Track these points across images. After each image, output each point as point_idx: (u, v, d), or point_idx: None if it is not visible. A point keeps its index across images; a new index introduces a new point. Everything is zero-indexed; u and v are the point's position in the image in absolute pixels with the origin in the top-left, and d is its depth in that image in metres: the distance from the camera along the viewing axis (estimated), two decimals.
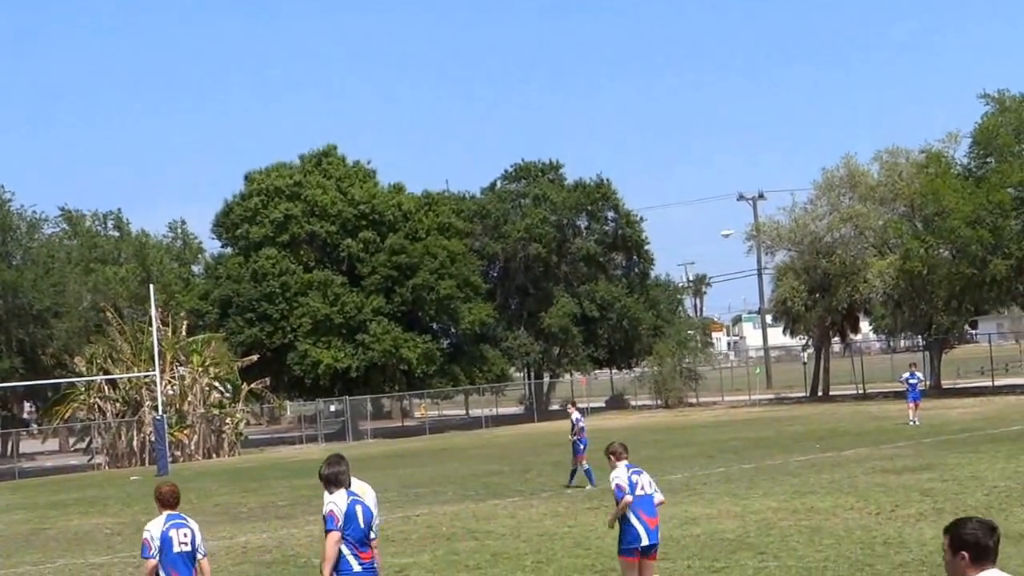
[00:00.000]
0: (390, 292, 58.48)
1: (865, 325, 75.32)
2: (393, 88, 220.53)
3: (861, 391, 59.63)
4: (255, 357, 56.01)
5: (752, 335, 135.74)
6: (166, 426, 46.03)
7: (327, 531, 9.90)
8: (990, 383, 58.00)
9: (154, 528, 10.16)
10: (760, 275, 78.69)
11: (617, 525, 12.31)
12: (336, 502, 9.93)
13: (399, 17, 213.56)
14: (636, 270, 68.35)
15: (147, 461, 49.46)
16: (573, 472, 26.39)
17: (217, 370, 54.28)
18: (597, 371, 71.40)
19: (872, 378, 60.67)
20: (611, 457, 12.58)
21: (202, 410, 52.85)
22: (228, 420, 54.03)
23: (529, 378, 66.97)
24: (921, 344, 69.38)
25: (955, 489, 20.93)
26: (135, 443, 51.30)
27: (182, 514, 10.43)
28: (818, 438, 35.22)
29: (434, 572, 16.62)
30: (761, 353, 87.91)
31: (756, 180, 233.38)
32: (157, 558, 10.05)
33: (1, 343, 52.10)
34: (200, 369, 53.34)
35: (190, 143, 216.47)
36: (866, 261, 55.85)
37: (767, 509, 20.13)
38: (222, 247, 64.04)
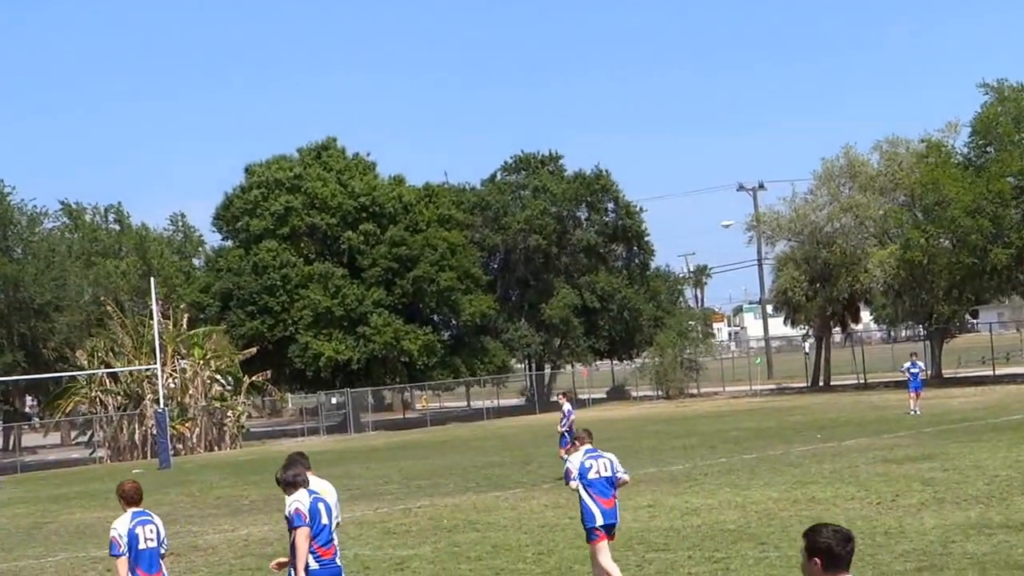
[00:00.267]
0: (391, 284, 58.50)
1: (866, 315, 75.09)
2: (393, 80, 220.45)
3: (862, 381, 59.66)
4: (256, 350, 56.06)
5: (753, 325, 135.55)
6: (168, 419, 46.05)
7: (294, 528, 10.13)
8: (991, 372, 58.04)
9: (121, 526, 10.37)
10: (761, 265, 78.79)
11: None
12: (300, 499, 10.22)
13: (398, 9, 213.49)
14: (636, 261, 68.31)
15: (149, 454, 49.52)
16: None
17: (218, 363, 54.39)
18: (598, 362, 71.40)
19: (873, 368, 60.72)
20: (575, 442, 13.32)
21: (203, 403, 52.91)
22: (230, 413, 54.08)
23: (530, 369, 66.97)
24: (922, 334, 69.38)
25: (956, 478, 20.93)
26: (137, 436, 51.39)
27: (147, 510, 10.63)
28: (819, 428, 35.23)
29: (435, 564, 16.62)
30: (762, 343, 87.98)
31: (756, 170, 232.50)
32: (127, 555, 10.23)
33: (2, 337, 52.14)
34: (201, 362, 53.41)
35: (190, 136, 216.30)
36: (866, 251, 55.85)
37: (768, 499, 20.14)
38: (223, 240, 64.13)
